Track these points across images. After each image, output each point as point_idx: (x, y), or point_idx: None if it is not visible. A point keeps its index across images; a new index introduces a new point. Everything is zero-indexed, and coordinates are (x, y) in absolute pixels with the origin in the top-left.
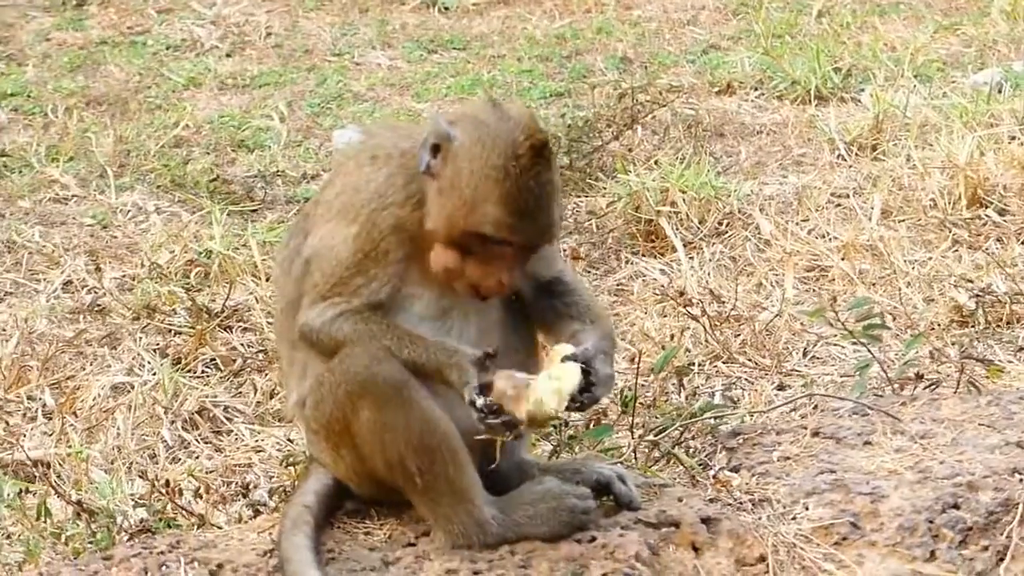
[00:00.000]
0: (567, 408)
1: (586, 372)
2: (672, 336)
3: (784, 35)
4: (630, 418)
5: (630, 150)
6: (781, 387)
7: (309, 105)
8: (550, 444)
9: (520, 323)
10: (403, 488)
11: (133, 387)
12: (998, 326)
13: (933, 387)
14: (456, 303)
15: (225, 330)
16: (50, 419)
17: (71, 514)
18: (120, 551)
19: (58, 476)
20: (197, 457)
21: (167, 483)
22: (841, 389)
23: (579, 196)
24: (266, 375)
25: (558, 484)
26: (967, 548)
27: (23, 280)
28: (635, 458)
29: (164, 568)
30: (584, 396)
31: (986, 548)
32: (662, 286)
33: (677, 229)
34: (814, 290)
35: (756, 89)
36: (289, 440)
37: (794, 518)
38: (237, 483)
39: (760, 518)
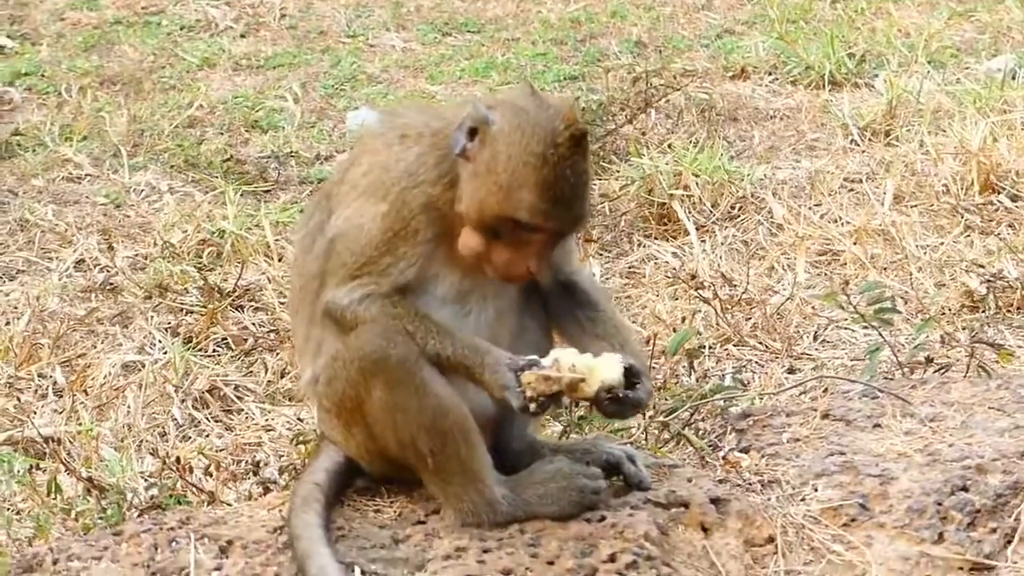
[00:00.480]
0: (604, 400)
1: (629, 374)
2: (683, 319)
3: (798, 20)
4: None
5: (643, 134)
6: (791, 370)
7: (323, 86)
8: (560, 424)
9: (536, 308)
10: (414, 467)
11: (144, 366)
12: (1009, 311)
13: (943, 371)
14: (476, 286)
15: (237, 310)
16: (61, 397)
17: (81, 490)
18: (130, 527)
19: (68, 453)
20: (207, 436)
21: (177, 460)
22: (852, 373)
23: (592, 179)
24: (277, 354)
25: (568, 464)
26: (975, 530)
27: (36, 258)
28: (645, 439)
29: (174, 544)
30: (627, 391)
31: (994, 530)
32: (674, 269)
33: (690, 212)
34: (826, 274)
35: (770, 74)
36: (299, 419)
37: (803, 499)
38: (247, 461)
39: (769, 499)
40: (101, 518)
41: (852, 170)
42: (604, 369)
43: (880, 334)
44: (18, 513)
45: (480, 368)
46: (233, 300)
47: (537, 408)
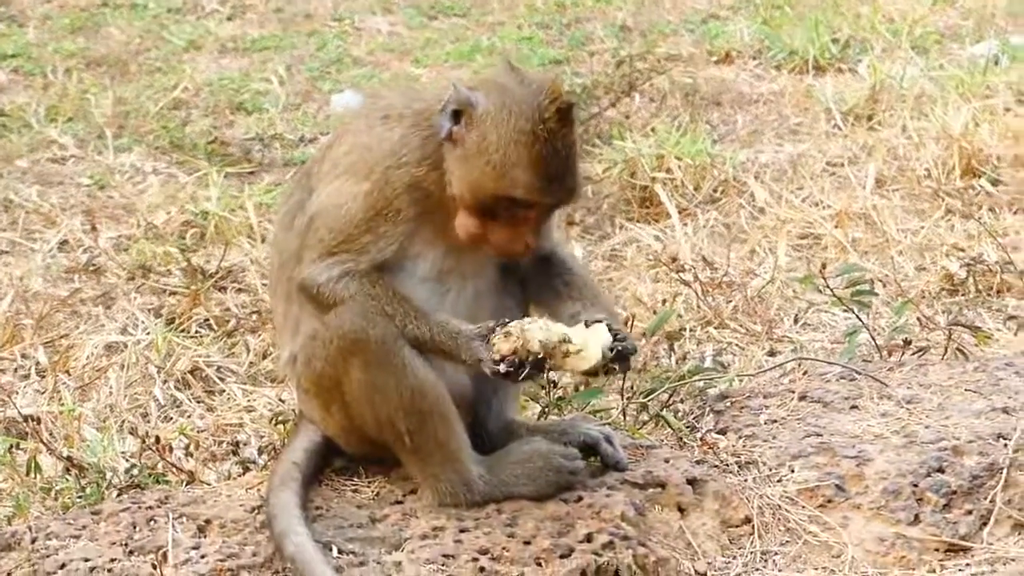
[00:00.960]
0: (607, 362)
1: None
2: (664, 301)
3: (783, 5)
4: (620, 381)
5: (627, 117)
6: (772, 353)
7: (308, 69)
8: (539, 405)
9: (513, 287)
10: (392, 446)
11: (126, 346)
12: (988, 295)
13: (921, 353)
14: (456, 265)
15: (219, 291)
16: (43, 377)
17: (61, 470)
18: (109, 506)
19: (50, 433)
20: (189, 416)
21: (157, 440)
22: (831, 355)
23: (581, 150)
24: (259, 336)
25: (546, 444)
26: (951, 512)
27: (19, 239)
28: (624, 420)
29: (152, 523)
30: (621, 345)
31: (970, 512)
32: (656, 252)
33: (672, 196)
34: (807, 258)
35: (754, 59)
36: (280, 400)
37: (780, 480)
38: (227, 442)
39: (746, 480)
40: (80, 497)
41: (834, 154)
42: (596, 338)
43: (858, 316)
44: None
45: (455, 347)
46: (216, 281)
47: (510, 369)
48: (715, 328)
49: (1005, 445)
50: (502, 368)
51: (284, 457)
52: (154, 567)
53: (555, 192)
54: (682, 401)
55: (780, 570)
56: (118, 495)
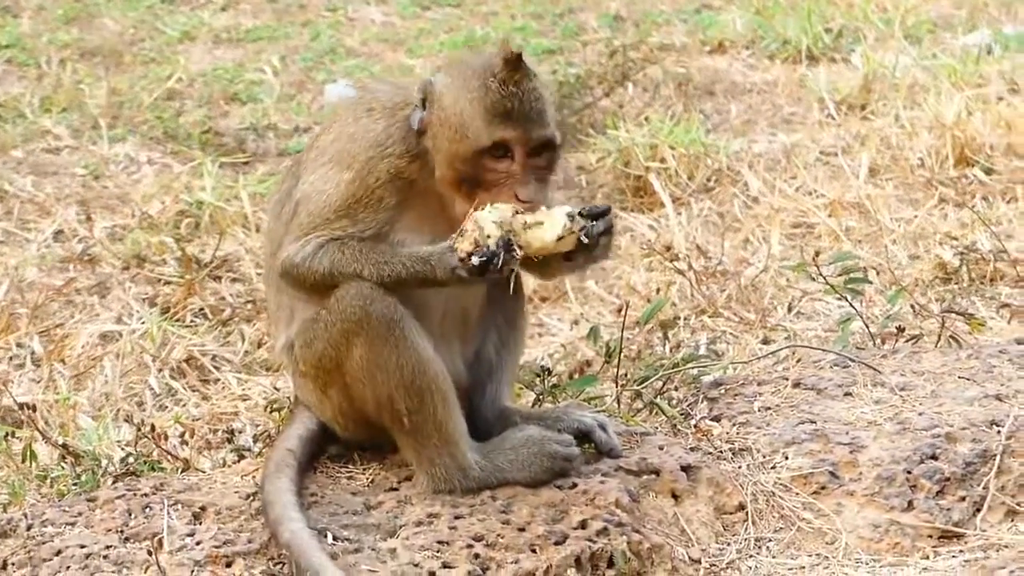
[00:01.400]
0: (579, 230)
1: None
2: (658, 290)
3: None
4: (614, 369)
5: (621, 107)
6: (765, 341)
7: (302, 59)
8: (533, 393)
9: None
10: (390, 428)
11: (121, 335)
12: (981, 283)
13: (914, 341)
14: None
15: (214, 280)
16: (38, 366)
17: (56, 458)
18: (104, 493)
19: (45, 422)
20: (184, 405)
21: (153, 428)
22: (825, 343)
23: (569, 151)
24: (254, 325)
25: (540, 431)
26: (944, 498)
27: (14, 229)
28: (618, 407)
29: (147, 510)
30: (585, 208)
31: (963, 499)
32: (650, 241)
33: (666, 185)
34: (800, 247)
35: (747, 48)
36: (275, 388)
37: (773, 467)
38: (222, 430)
39: (740, 467)
40: (76, 484)
41: (828, 144)
42: (557, 212)
43: (851, 304)
44: None
45: (429, 269)
46: (211, 271)
47: (483, 260)
48: (709, 317)
49: (998, 432)
50: (475, 261)
51: (279, 444)
52: (150, 553)
53: (517, 128)
54: (676, 389)
55: (774, 556)
56: (113, 482)
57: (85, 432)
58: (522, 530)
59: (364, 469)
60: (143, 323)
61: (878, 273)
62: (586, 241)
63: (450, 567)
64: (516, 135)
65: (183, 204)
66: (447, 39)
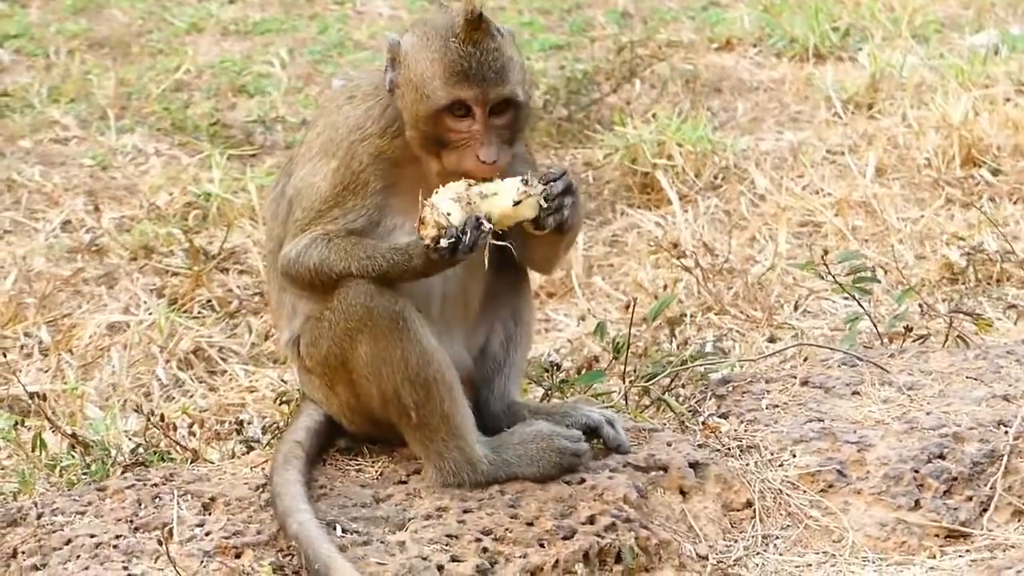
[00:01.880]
0: (539, 194)
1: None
2: (665, 287)
3: None
4: (622, 365)
5: (628, 103)
6: (772, 339)
7: (310, 52)
8: (542, 388)
9: (506, 261)
10: (397, 423)
11: (129, 326)
12: (988, 284)
13: (922, 340)
14: None
15: (222, 272)
16: (46, 356)
17: (65, 447)
18: (114, 482)
19: (53, 412)
20: (191, 396)
21: (162, 417)
22: (832, 342)
23: (576, 148)
24: (261, 317)
25: (549, 426)
26: (951, 498)
27: (22, 219)
28: (626, 404)
29: (157, 500)
30: (541, 171)
31: (970, 498)
32: (657, 238)
33: (673, 182)
34: (807, 245)
35: (755, 46)
36: (283, 380)
37: (781, 465)
38: (230, 421)
39: (748, 464)
40: (85, 474)
41: (835, 142)
42: (506, 186)
43: (859, 303)
44: (2, 469)
45: (408, 260)
46: (218, 263)
47: (452, 241)
48: (715, 314)
49: (1006, 432)
50: (443, 244)
51: (287, 436)
52: (159, 543)
53: (474, 86)
54: (683, 386)
55: (781, 554)
56: (123, 472)
57: (93, 422)
58: (531, 524)
59: (373, 462)
60: (151, 314)
61: (886, 272)
62: (545, 204)
63: (459, 560)
64: (473, 94)
65: (191, 196)
66: None
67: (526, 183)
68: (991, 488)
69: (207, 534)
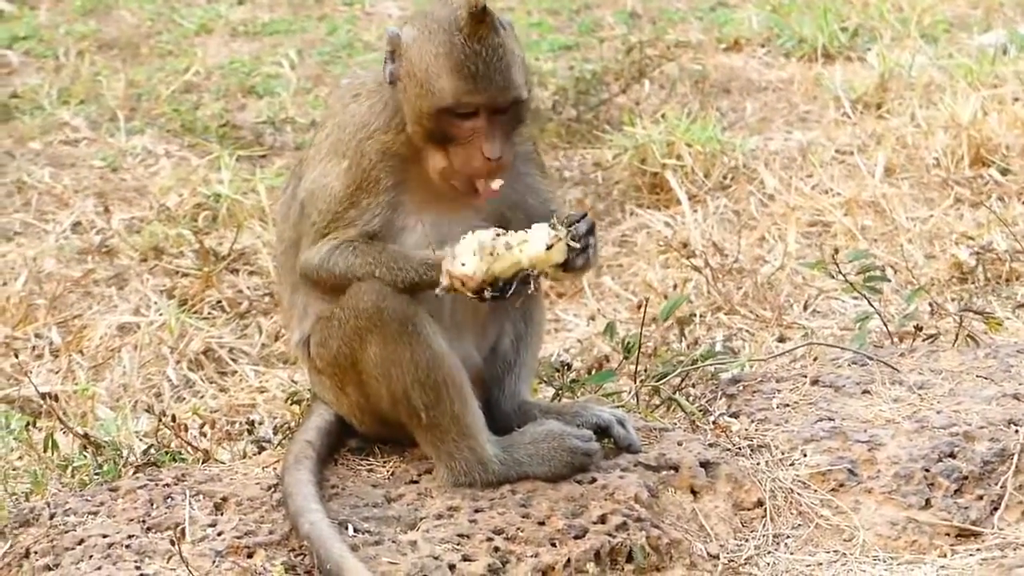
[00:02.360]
0: (567, 237)
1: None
2: (675, 287)
3: None
4: (632, 365)
5: (637, 103)
6: (782, 339)
7: (319, 53)
8: (552, 387)
9: None
10: (408, 424)
11: (139, 327)
12: (998, 283)
13: (932, 340)
14: (448, 236)
15: (232, 273)
16: (57, 357)
17: (77, 448)
18: (126, 483)
19: (64, 412)
20: (202, 397)
21: (173, 418)
22: (841, 342)
23: (585, 148)
24: (271, 317)
25: (560, 426)
26: (962, 497)
27: (32, 220)
28: (636, 403)
29: (169, 500)
30: (565, 216)
31: (981, 497)
32: (666, 238)
33: (682, 182)
34: (816, 245)
35: (763, 46)
36: (293, 380)
37: (792, 464)
38: (241, 421)
39: (758, 463)
40: (97, 474)
41: (843, 142)
42: (537, 229)
43: (869, 302)
44: (14, 469)
45: (426, 278)
46: (228, 263)
47: (493, 296)
48: (725, 314)
49: (1016, 431)
50: (487, 296)
51: (298, 436)
52: (172, 543)
53: (483, 90)
54: (694, 385)
55: (792, 553)
56: (135, 472)
57: (104, 423)
58: (542, 524)
59: (384, 462)
60: (161, 315)
61: (895, 272)
62: (577, 245)
63: (470, 560)
64: (480, 99)
65: (200, 197)
66: None
67: (554, 227)
68: (1002, 487)
69: (219, 534)
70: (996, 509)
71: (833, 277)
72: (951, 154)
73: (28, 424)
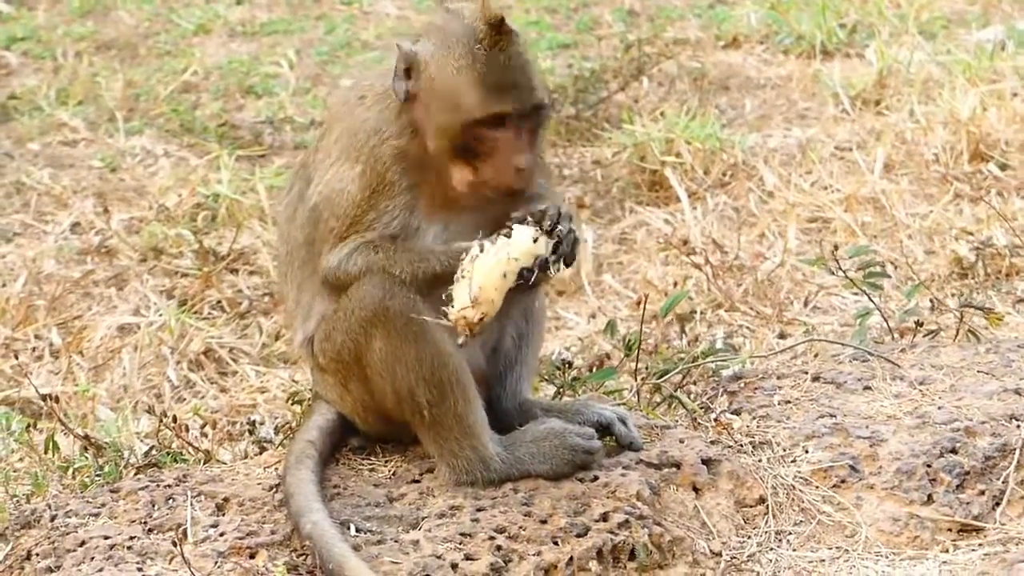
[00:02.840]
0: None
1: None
2: (675, 284)
3: None
4: (633, 362)
5: (636, 101)
6: (782, 336)
7: (318, 53)
8: (553, 386)
9: None
10: (411, 422)
11: (139, 328)
12: (997, 278)
13: (933, 335)
14: (460, 236)
15: (231, 273)
16: (57, 358)
17: (78, 449)
18: (127, 484)
19: (65, 414)
20: (202, 397)
21: (174, 418)
22: (842, 338)
23: (585, 146)
24: (271, 317)
25: (561, 424)
26: (964, 492)
27: (32, 221)
28: (638, 401)
29: (171, 501)
30: (557, 229)
31: (982, 492)
32: (666, 235)
33: (681, 179)
34: (816, 241)
35: (762, 43)
36: (294, 380)
37: (794, 461)
38: (242, 422)
39: (760, 460)
40: (98, 475)
41: (842, 139)
42: (517, 241)
43: (870, 298)
44: (15, 471)
45: (448, 268)
46: (228, 263)
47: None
48: (726, 311)
49: (1018, 426)
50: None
51: (299, 436)
52: (174, 544)
53: (511, 99)
54: (695, 383)
55: (794, 549)
56: (136, 474)
57: (105, 424)
58: (544, 522)
59: (386, 461)
60: (160, 315)
61: (895, 268)
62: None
63: (472, 559)
64: (512, 108)
65: (200, 197)
66: None
67: (527, 222)
68: (1003, 482)
69: (221, 535)
70: (998, 504)
71: (833, 273)
72: (950, 150)
73: (29, 426)
